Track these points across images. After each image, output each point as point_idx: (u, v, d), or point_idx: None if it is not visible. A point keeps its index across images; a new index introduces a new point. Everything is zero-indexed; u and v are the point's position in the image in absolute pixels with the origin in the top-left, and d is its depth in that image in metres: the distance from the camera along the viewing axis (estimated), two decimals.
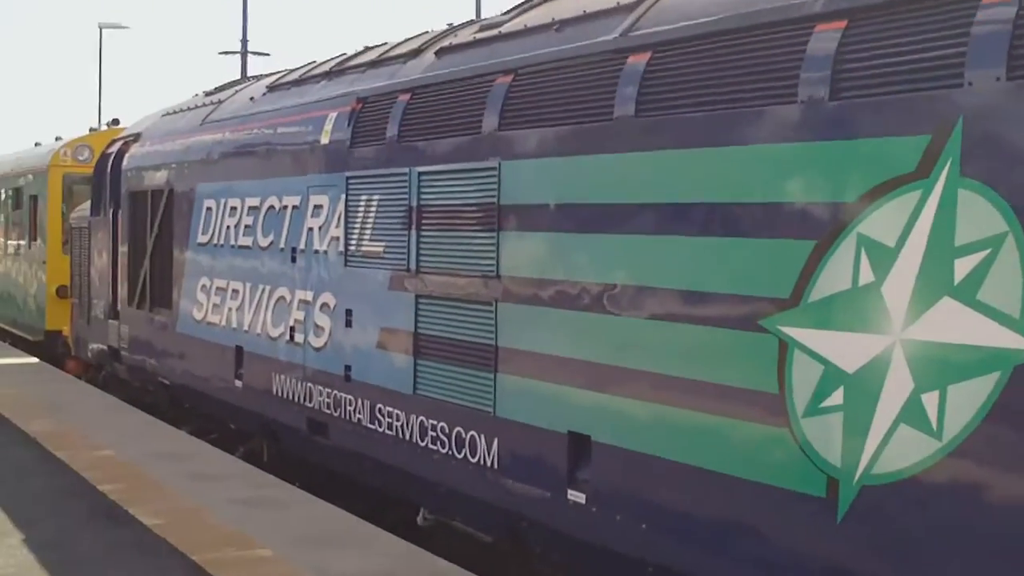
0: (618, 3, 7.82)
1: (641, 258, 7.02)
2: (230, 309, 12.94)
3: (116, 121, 23.15)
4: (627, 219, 7.13)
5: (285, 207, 11.67)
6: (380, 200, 9.98)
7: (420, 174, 9.39)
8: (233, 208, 12.87)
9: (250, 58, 30.91)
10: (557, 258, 7.75)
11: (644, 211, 7.01)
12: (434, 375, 9.17)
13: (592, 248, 7.45)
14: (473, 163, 8.68)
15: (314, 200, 11.11)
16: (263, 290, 12.13)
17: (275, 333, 11.86)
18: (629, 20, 7.53)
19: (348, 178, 10.46)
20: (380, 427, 9.93)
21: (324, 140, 10.98)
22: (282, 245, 11.72)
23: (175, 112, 16.24)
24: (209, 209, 13.52)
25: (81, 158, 22.38)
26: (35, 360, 20.41)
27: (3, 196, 26.00)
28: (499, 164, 8.37)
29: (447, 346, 9.02)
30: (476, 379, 8.62)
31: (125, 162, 16.77)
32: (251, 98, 13.55)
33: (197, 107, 15.41)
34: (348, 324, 10.45)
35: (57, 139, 24.09)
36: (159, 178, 15.27)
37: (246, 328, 12.52)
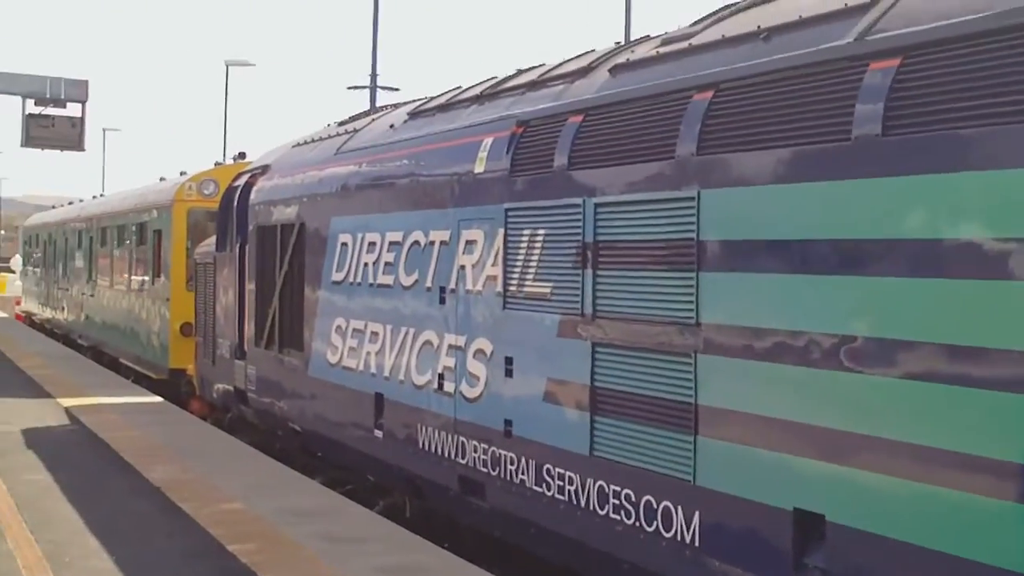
0: (846, 4, 6.64)
1: (892, 305, 5.81)
2: (369, 353, 11.94)
3: (242, 155, 22.42)
4: (873, 258, 5.93)
5: (432, 243, 10.64)
6: (547, 235, 8.90)
7: (597, 206, 8.29)
8: (372, 244, 11.89)
9: (379, 93, 30.11)
10: (777, 304, 6.56)
11: (896, 248, 5.80)
12: (616, 435, 8.04)
13: (822, 293, 6.25)
14: (664, 192, 7.56)
15: (466, 235, 10.06)
16: (406, 333, 11.11)
17: (421, 380, 10.82)
18: (865, 22, 6.35)
19: (507, 210, 9.39)
20: (548, 490, 8.80)
21: (478, 169, 9.94)
22: (428, 284, 10.70)
23: (305, 143, 15.37)
24: (344, 244, 12.57)
25: (206, 192, 21.68)
26: (159, 399, 19.69)
27: (128, 232, 25.48)
28: (698, 193, 7.23)
29: (632, 402, 7.88)
30: (670, 442, 7.47)
31: (252, 195, 15.95)
32: (391, 126, 12.58)
33: (330, 137, 14.51)
34: (508, 373, 9.36)
35: (182, 174, 23.46)
36: (289, 212, 14.39)
37: (387, 374, 11.50)
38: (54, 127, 17.16)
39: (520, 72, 10.92)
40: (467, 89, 11.69)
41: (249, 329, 15.71)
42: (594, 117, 8.56)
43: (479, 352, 9.82)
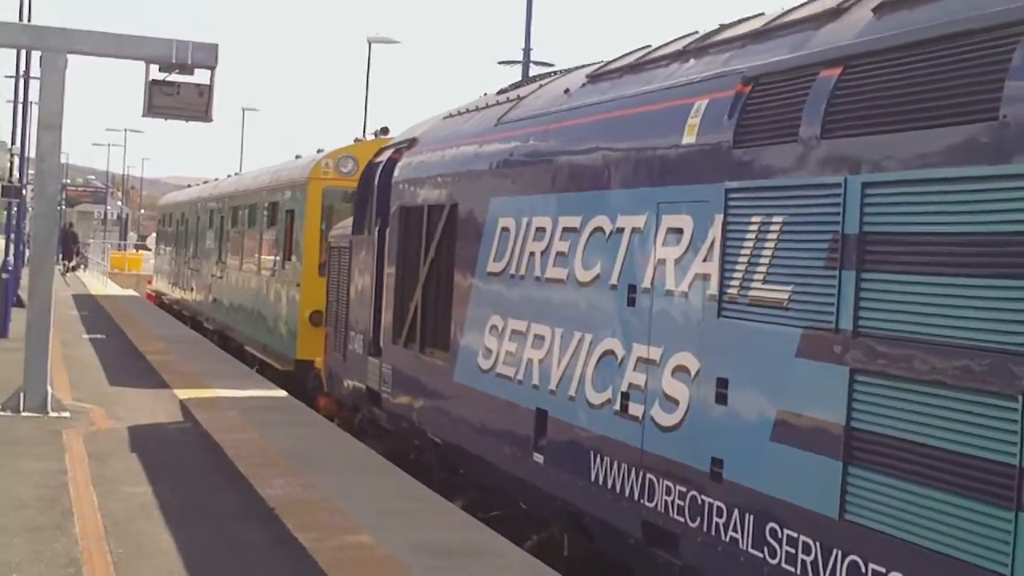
0: None
1: None
2: (531, 360, 9.95)
3: (385, 130, 20.49)
4: None
5: (620, 230, 8.61)
6: (786, 223, 6.81)
7: (865, 186, 6.18)
8: (540, 230, 9.89)
9: (532, 70, 27.94)
10: None
11: None
12: (882, 497, 5.93)
13: None
14: (989, 167, 5.43)
15: (668, 221, 8.01)
16: (580, 339, 9.09)
17: (597, 399, 8.80)
18: None
19: (729, 191, 7.32)
20: (773, 557, 6.72)
21: (687, 139, 7.88)
22: (613, 281, 8.67)
23: (459, 114, 13.43)
24: (505, 230, 10.59)
25: (344, 170, 19.87)
26: (283, 394, 17.99)
27: (260, 212, 23.88)
28: None
29: (911, 454, 5.76)
30: (977, 518, 5.34)
31: (396, 172, 14.07)
32: (565, 91, 10.57)
33: (488, 106, 12.55)
34: (720, 399, 7.30)
35: (319, 151, 21.71)
36: (439, 191, 12.47)
37: (553, 387, 9.51)
38: (179, 95, 15.41)
39: (734, 24, 8.82)
40: (663, 46, 9.62)
41: (386, 323, 13.85)
42: (861, 69, 6.44)
43: (680, 369, 7.77)
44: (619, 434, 8.47)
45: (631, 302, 8.42)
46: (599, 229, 8.93)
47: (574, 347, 9.20)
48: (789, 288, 6.75)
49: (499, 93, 13.14)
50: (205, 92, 15.74)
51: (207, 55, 15.42)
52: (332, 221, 19.11)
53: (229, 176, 32.46)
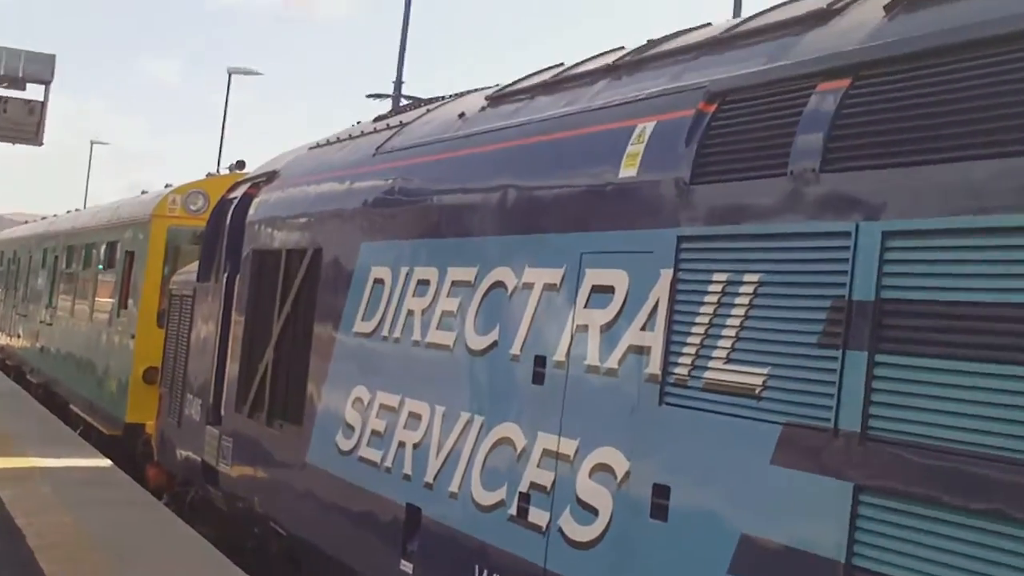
0: None
1: None
2: (403, 443, 8.05)
3: (241, 164, 18.39)
4: None
5: (528, 286, 6.81)
6: (764, 284, 5.08)
7: (887, 236, 4.48)
8: (423, 283, 8.05)
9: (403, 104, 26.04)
10: None
11: None
12: None
13: None
14: None
15: (594, 276, 6.23)
16: (468, 422, 7.24)
17: (487, 498, 6.95)
18: None
19: (682, 240, 5.57)
20: None
21: (625, 172, 6.13)
22: (515, 350, 6.85)
23: (329, 143, 11.54)
24: (379, 282, 8.72)
25: (193, 208, 17.73)
26: (107, 463, 15.70)
27: (96, 252, 21.53)
28: None
29: None
30: None
31: (252, 211, 12.10)
32: (460, 115, 8.78)
33: (364, 134, 10.69)
34: (657, 513, 5.51)
35: (167, 187, 19.53)
36: (299, 233, 10.55)
37: (429, 479, 7.62)
38: (5, 112, 13.15)
39: (680, 33, 7.14)
40: (586, 61, 7.90)
41: (230, 386, 11.81)
42: (881, 79, 4.76)
43: (602, 469, 5.96)
44: (514, 546, 6.61)
45: (538, 378, 6.60)
46: (500, 284, 7.12)
47: (459, 431, 7.34)
48: (765, 370, 5.00)
49: (376, 120, 11.30)
50: (36, 110, 13.58)
51: (42, 68, 13.36)
52: (178, 265, 16.97)
53: (68, 212, 29.86)
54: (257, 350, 11.13)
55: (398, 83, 26.78)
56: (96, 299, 20.88)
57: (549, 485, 6.36)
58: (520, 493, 6.61)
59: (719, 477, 5.19)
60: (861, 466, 4.48)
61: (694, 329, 5.43)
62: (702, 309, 5.40)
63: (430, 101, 10.71)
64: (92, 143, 75.60)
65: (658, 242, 5.73)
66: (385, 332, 8.51)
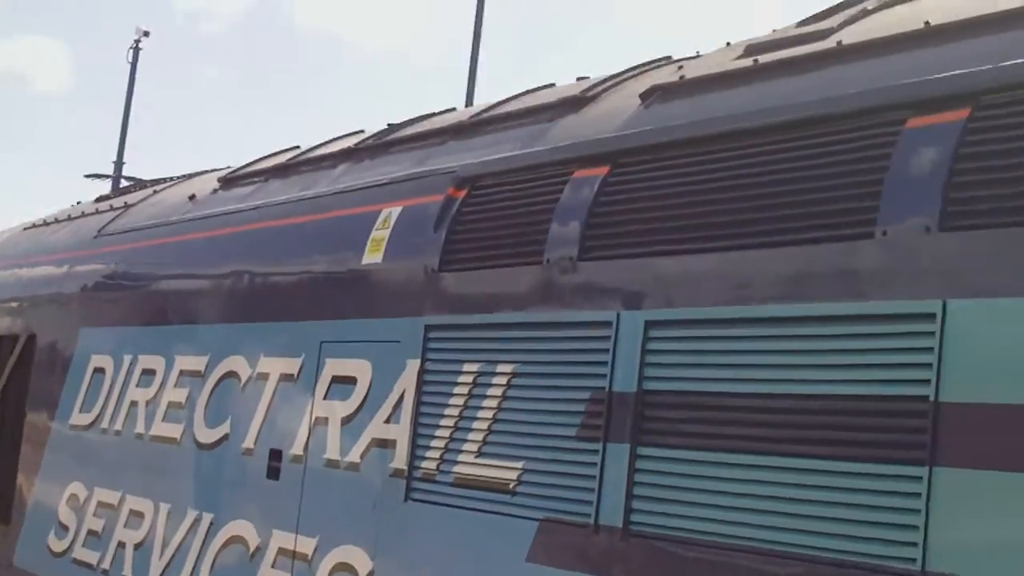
0: None
1: None
2: (122, 544, 7.50)
3: None
4: None
5: (263, 376, 6.46)
6: (519, 375, 4.91)
7: (650, 325, 4.38)
8: (149, 372, 7.56)
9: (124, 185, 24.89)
10: None
11: None
12: None
13: None
14: (831, 305, 3.77)
15: (334, 367, 5.94)
16: (196, 520, 6.79)
17: None
18: None
19: (430, 329, 5.36)
20: None
21: (370, 257, 5.89)
22: (248, 444, 6.47)
23: (47, 223, 10.87)
24: (100, 370, 8.16)
25: None
26: None
27: None
28: (942, 306, 3.47)
29: None
30: None
31: None
32: (191, 197, 8.38)
33: (84, 215, 10.10)
34: None
35: None
36: (10, 318, 9.84)
37: None
38: None
39: (418, 119, 6.99)
40: (322, 144, 7.66)
41: None
42: (641, 166, 4.70)
43: (343, 569, 5.63)
44: None
45: (273, 473, 6.23)
46: (232, 374, 6.73)
47: (186, 530, 6.86)
48: (520, 464, 4.82)
49: (99, 200, 10.72)
50: None
51: None
52: None
53: None
54: None
55: (119, 163, 25.82)
56: None
57: None
58: None
59: None
60: (622, 562, 4.33)
61: (443, 421, 5.20)
62: (452, 400, 5.18)
63: (157, 182, 10.23)
64: None
65: (404, 330, 5.50)
66: (105, 424, 7.96)
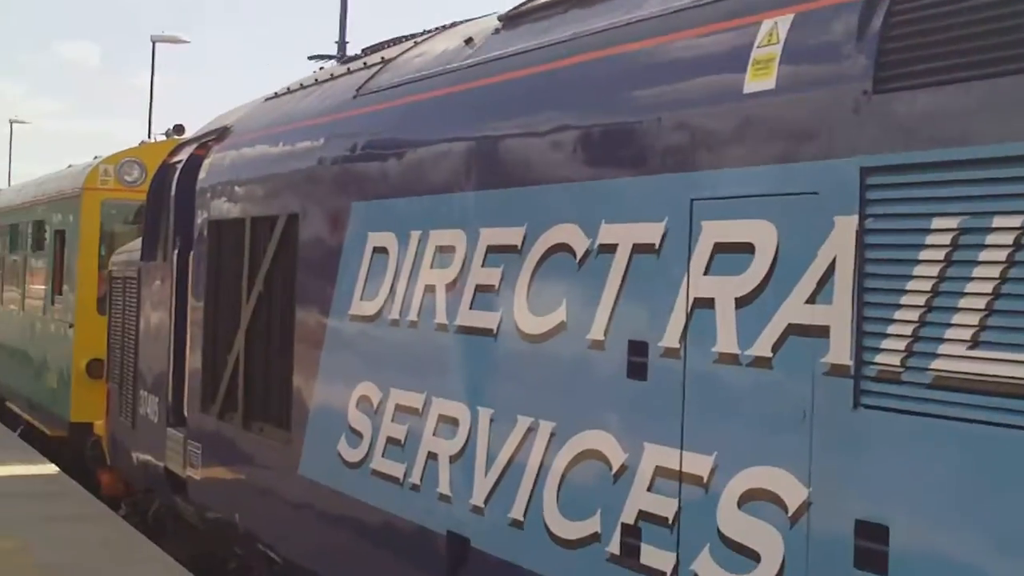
0: None
1: None
2: (433, 455, 6.35)
3: (180, 129, 16.34)
4: None
5: (607, 248, 5.10)
6: None
7: None
8: (445, 249, 6.31)
9: None
10: None
11: None
12: None
13: None
14: None
15: (715, 231, 4.53)
16: (532, 428, 5.55)
17: (571, 530, 5.27)
18: None
19: (867, 172, 3.89)
20: None
21: (756, 83, 4.42)
22: (596, 335, 5.14)
23: (290, 91, 9.71)
24: (381, 251, 6.97)
25: (129, 179, 15.78)
26: (54, 470, 13.89)
27: (22, 233, 19.51)
28: None
29: None
30: None
31: (203, 175, 10.25)
32: (467, 41, 7.02)
33: (334, 77, 8.89)
34: (862, 563, 3.86)
35: (95, 158, 17.49)
36: (268, 197, 8.78)
37: (479, 501, 5.93)
38: None
39: None
40: None
41: (192, 382, 10.03)
42: None
43: (758, 496, 4.29)
44: None
45: (637, 372, 4.91)
46: (562, 247, 5.40)
47: (520, 439, 5.64)
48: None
49: (345, 61, 9.48)
50: None
51: None
52: (115, 244, 15.05)
53: None
54: (224, 339, 9.37)
55: (342, 42, 24.78)
56: (28, 285, 18.90)
57: (672, 515, 4.69)
58: (623, 525, 4.94)
59: (969, 510, 3.55)
60: None
61: (906, 299, 3.76)
62: (918, 270, 3.73)
63: (411, 37, 8.90)
64: (11, 122, 72.83)
65: (826, 177, 4.04)
66: (395, 314, 6.79)
